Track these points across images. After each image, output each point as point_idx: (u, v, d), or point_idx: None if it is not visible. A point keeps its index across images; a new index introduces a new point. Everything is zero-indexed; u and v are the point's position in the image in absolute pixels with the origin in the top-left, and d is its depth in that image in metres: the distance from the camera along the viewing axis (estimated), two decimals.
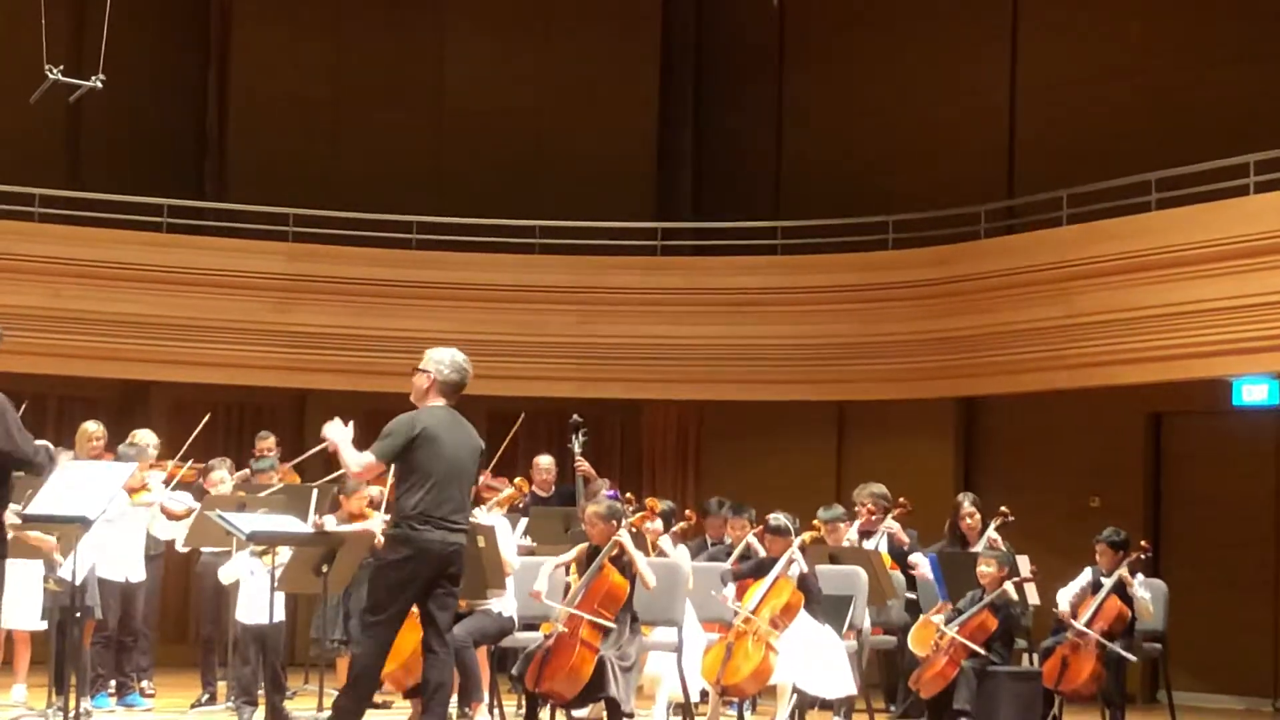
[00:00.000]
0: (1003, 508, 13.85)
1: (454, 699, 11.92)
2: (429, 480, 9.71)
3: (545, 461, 15.26)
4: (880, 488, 14.09)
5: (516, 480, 13.93)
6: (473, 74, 20.24)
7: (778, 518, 11.90)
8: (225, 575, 11.95)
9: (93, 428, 13.00)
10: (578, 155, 19.97)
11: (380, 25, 20.17)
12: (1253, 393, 16.11)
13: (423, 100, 20.19)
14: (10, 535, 9.43)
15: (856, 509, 13.99)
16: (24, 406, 9.53)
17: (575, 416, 15.19)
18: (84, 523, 9.90)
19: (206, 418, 14.04)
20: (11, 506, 9.50)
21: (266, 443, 14.93)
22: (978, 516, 13.84)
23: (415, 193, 19.27)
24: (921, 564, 13.54)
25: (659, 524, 12.47)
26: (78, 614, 10.94)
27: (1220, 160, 15.67)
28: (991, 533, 13.61)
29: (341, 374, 17.70)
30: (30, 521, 10.10)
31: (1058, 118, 18.31)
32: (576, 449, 14.95)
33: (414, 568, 9.71)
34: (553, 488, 15.11)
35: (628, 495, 13.18)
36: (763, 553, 12.42)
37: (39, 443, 9.33)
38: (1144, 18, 17.84)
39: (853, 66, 19.78)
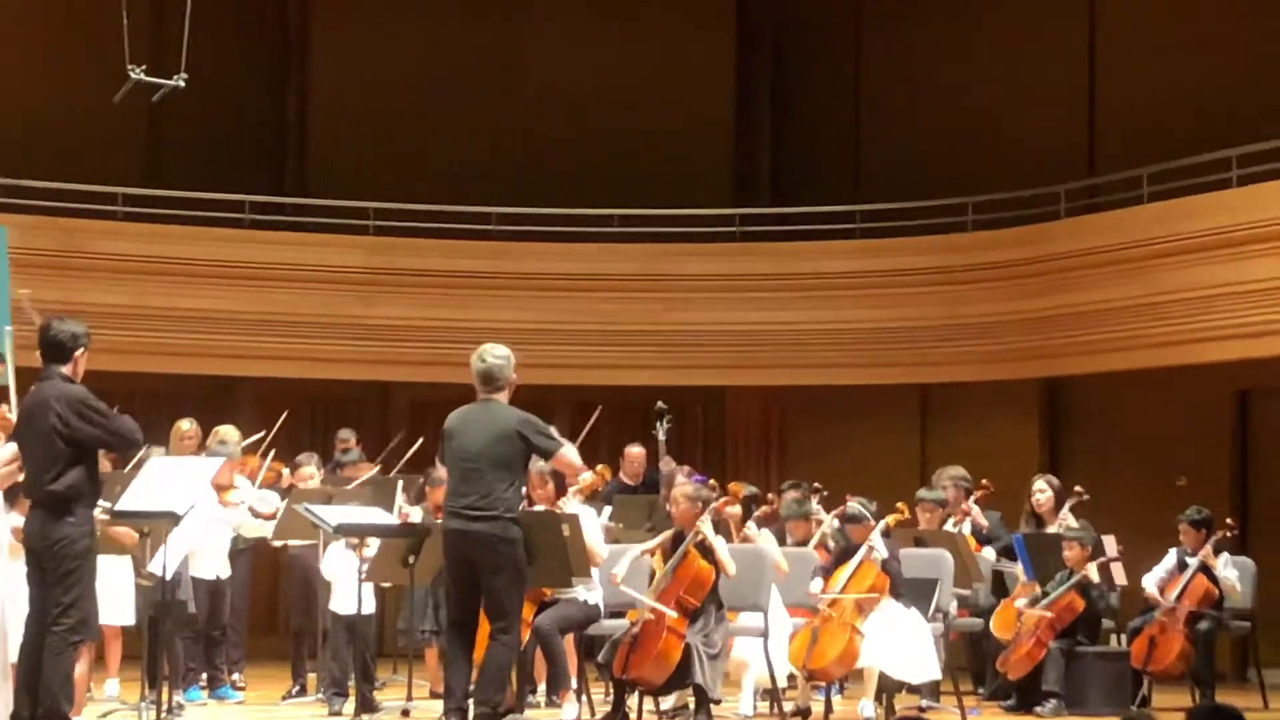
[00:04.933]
0: (1077, 487, 13.82)
1: (542, 687, 12.10)
2: (451, 474, 10.25)
3: (636, 451, 15.22)
4: (960, 470, 14.08)
5: (598, 467, 14.01)
6: (549, 66, 20.27)
7: (854, 506, 11.94)
8: (328, 570, 12.06)
9: (186, 426, 13.16)
10: (656, 143, 19.97)
11: (457, 20, 20.23)
12: None
13: (500, 93, 20.21)
14: (99, 531, 9.58)
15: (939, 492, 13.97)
16: (116, 408, 9.65)
17: (660, 404, 15.22)
18: (173, 518, 10.05)
19: (284, 415, 14.16)
20: (100, 503, 9.66)
21: (347, 441, 15.06)
22: (1048, 495, 13.70)
23: (494, 184, 19.35)
24: (988, 551, 13.51)
25: (738, 509, 12.51)
26: (170, 608, 11.10)
27: None
28: (1065, 513, 13.59)
29: (424, 366, 17.83)
30: (119, 518, 10.26)
31: (1137, 95, 18.23)
32: (661, 435, 14.98)
33: (446, 555, 10.28)
34: (642, 476, 15.13)
35: (711, 481, 13.23)
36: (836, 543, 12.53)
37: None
38: None
39: (929, 47, 19.75)
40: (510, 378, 10.32)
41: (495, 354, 10.28)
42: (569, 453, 10.40)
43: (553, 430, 10.59)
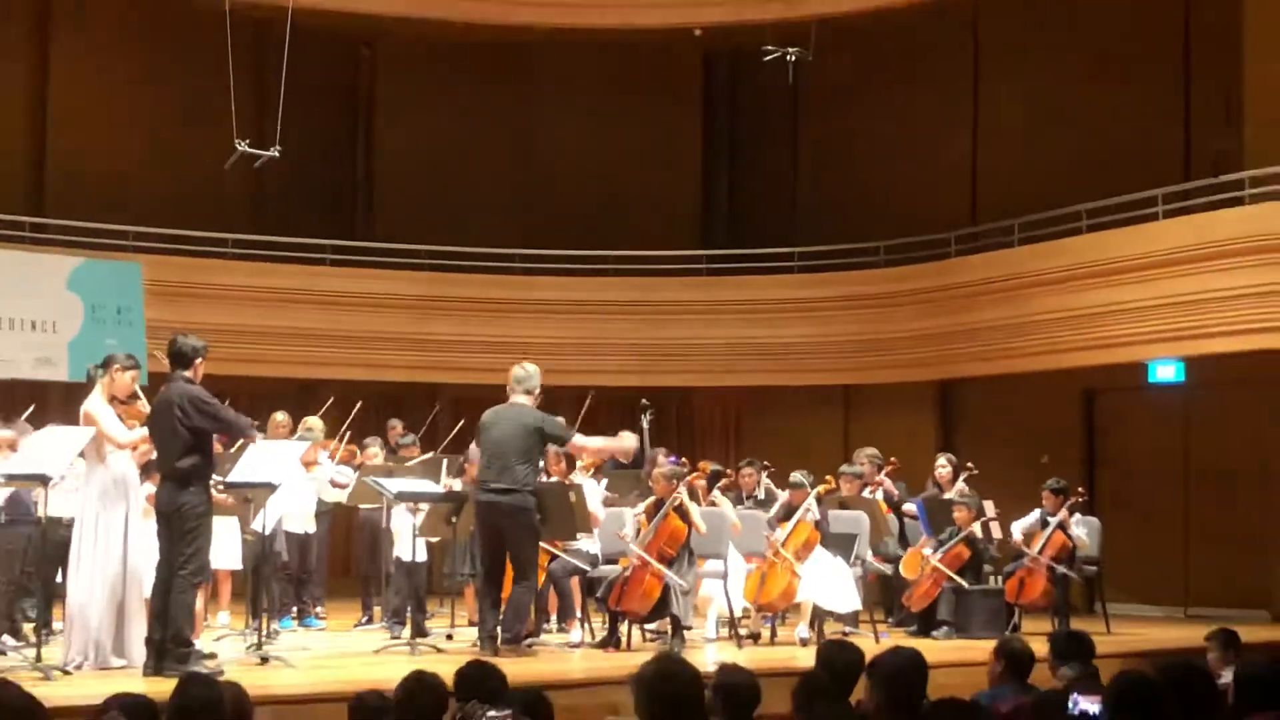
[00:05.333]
0: (968, 464, 13.89)
1: (554, 617, 12.08)
2: (483, 457, 10.44)
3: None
4: (874, 450, 14.06)
5: None
6: (557, 140, 20.22)
7: (796, 476, 11.99)
8: (395, 527, 12.02)
9: (280, 417, 13.08)
10: (639, 198, 19.95)
11: (489, 102, 20.17)
12: (1163, 372, 16.07)
13: (523, 160, 20.20)
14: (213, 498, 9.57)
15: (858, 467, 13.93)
16: (226, 402, 9.65)
17: (644, 400, 15.20)
18: (271, 488, 10.04)
19: (358, 405, 14.11)
20: (215, 477, 9.64)
21: (395, 430, 14.93)
22: (949, 469, 13.84)
23: (519, 230, 19.33)
24: (910, 509, 13.53)
25: (704, 482, 12.52)
26: (268, 556, 11.10)
27: (1135, 194, 15.67)
28: (960, 484, 13.62)
29: (465, 371, 17.78)
30: (230, 488, 10.24)
31: (1009, 164, 18.21)
32: (645, 425, 14.94)
33: (477, 521, 10.47)
34: (630, 457, 15.00)
35: (683, 460, 13.23)
36: (776, 493, 12.55)
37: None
38: (1070, 84, 17.78)
39: (851, 124, 19.68)
40: (534, 387, 10.53)
41: (529, 367, 10.62)
42: (579, 439, 10.70)
43: (562, 422, 10.65)
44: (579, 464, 12.27)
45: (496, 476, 10.23)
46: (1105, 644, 9.74)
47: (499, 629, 10.26)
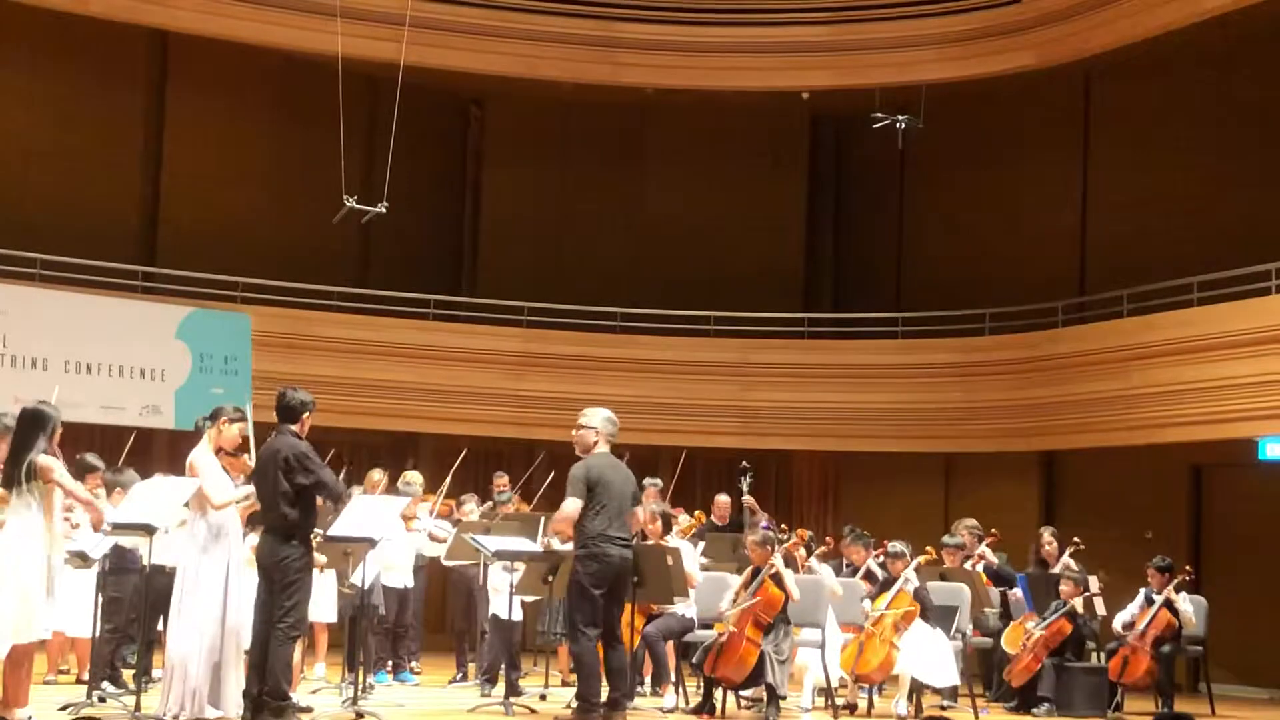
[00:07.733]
0: (1075, 538, 13.70)
1: (647, 680, 12.00)
2: (609, 511, 9.75)
3: (723, 499, 14.95)
4: (973, 521, 13.92)
5: (696, 512, 13.90)
6: (662, 200, 20.33)
7: (895, 545, 11.89)
8: (492, 584, 12.00)
9: (377, 476, 13.12)
10: (742, 259, 19.95)
11: (590, 166, 20.32)
12: (1273, 450, 15.78)
13: (623, 221, 20.28)
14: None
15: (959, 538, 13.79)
16: (331, 454, 9.69)
17: (744, 463, 15.11)
18: (371, 542, 10.08)
19: (464, 453, 14.13)
20: (316, 530, 9.67)
21: (501, 480, 14.98)
22: (1055, 545, 13.68)
23: (618, 290, 19.38)
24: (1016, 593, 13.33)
25: (803, 552, 12.42)
26: (365, 610, 11.13)
27: (1248, 268, 15.48)
28: (1067, 558, 13.45)
29: (563, 428, 17.70)
30: (330, 541, 10.29)
31: (1118, 234, 18.08)
32: (744, 488, 14.85)
33: (611, 576, 9.75)
34: (728, 519, 14.91)
35: (782, 525, 13.14)
36: (879, 575, 12.39)
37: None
38: (1182, 154, 17.60)
39: (959, 190, 19.66)
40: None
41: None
42: None
43: None
44: (675, 527, 12.18)
45: (624, 531, 10.02)
46: None
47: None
